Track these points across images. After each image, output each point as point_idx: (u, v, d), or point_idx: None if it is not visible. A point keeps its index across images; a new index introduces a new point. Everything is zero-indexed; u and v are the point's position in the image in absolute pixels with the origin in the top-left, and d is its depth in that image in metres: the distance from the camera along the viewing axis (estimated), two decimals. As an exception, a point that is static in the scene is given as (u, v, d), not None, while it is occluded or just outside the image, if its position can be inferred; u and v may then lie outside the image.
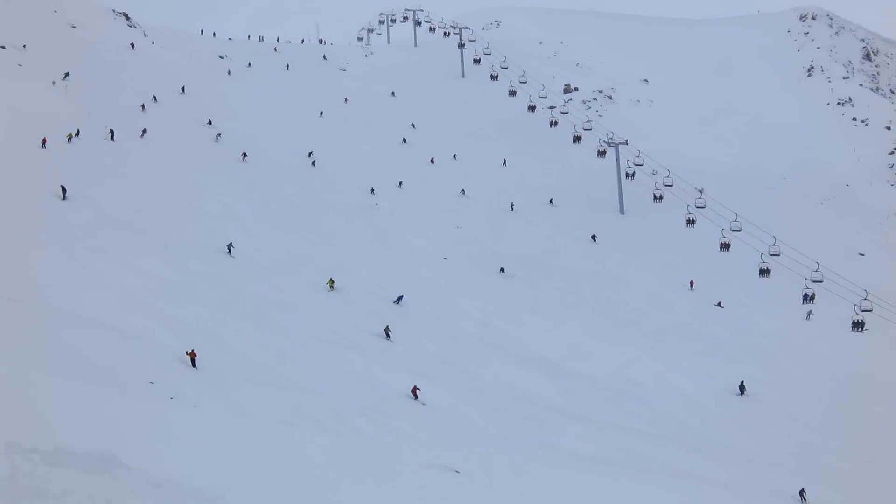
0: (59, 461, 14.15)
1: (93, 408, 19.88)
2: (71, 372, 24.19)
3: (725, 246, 69.34)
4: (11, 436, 14.58)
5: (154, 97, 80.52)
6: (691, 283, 70.58)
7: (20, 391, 19.63)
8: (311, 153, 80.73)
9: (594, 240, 77.89)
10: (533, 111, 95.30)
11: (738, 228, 66.66)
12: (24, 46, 77.72)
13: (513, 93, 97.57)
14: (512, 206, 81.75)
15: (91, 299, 36.89)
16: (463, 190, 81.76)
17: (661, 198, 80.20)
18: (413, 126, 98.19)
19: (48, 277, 37.95)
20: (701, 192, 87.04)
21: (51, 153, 57.22)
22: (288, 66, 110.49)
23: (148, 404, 23.10)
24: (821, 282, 58.45)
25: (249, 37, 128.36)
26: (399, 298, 53.93)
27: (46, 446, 14.57)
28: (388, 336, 46.78)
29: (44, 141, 57.52)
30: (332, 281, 52.72)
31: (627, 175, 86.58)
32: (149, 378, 28.18)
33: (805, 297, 60.53)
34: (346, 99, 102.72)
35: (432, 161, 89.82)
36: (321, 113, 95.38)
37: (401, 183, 79.80)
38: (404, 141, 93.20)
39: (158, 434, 18.79)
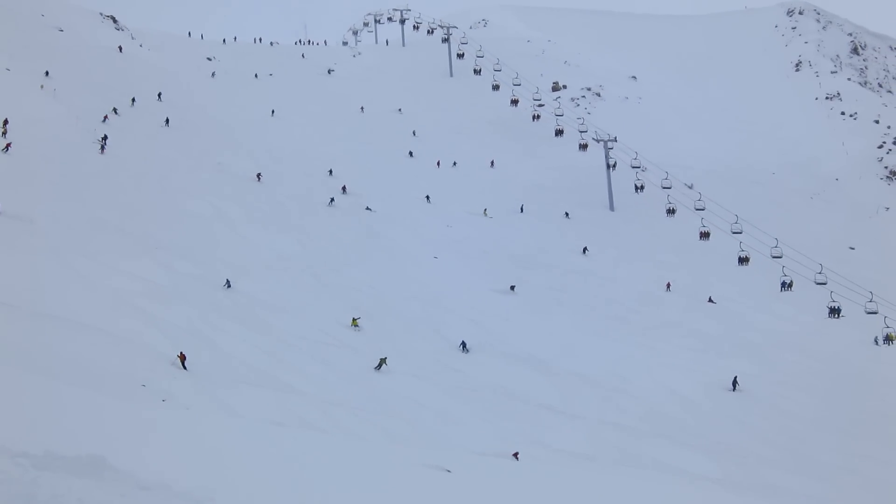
0: (48, 465, 14.05)
1: (82, 411, 19.76)
2: (60, 375, 24.09)
3: (705, 235, 69.92)
4: (1, 440, 14.49)
5: (133, 99, 79.17)
6: (668, 285, 69.74)
7: (10, 395, 19.52)
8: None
9: (585, 252, 75.21)
10: (515, 105, 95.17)
11: (738, 230, 66.55)
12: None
13: (496, 87, 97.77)
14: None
15: (80, 302, 36.75)
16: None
17: (642, 188, 79.94)
18: (414, 134, 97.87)
19: (37, 281, 37.77)
20: (691, 187, 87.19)
21: (38, 157, 57.00)
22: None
23: (137, 407, 22.99)
24: (825, 283, 58.55)
25: (236, 38, 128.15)
26: (463, 345, 49.27)
27: (36, 450, 14.47)
28: (382, 365, 42.12)
29: (7, 146, 56.02)
30: (355, 320, 48.42)
31: (609, 166, 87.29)
32: (139, 381, 28.10)
33: (783, 284, 61.22)
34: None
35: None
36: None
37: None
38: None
39: (148, 437, 18.70)
